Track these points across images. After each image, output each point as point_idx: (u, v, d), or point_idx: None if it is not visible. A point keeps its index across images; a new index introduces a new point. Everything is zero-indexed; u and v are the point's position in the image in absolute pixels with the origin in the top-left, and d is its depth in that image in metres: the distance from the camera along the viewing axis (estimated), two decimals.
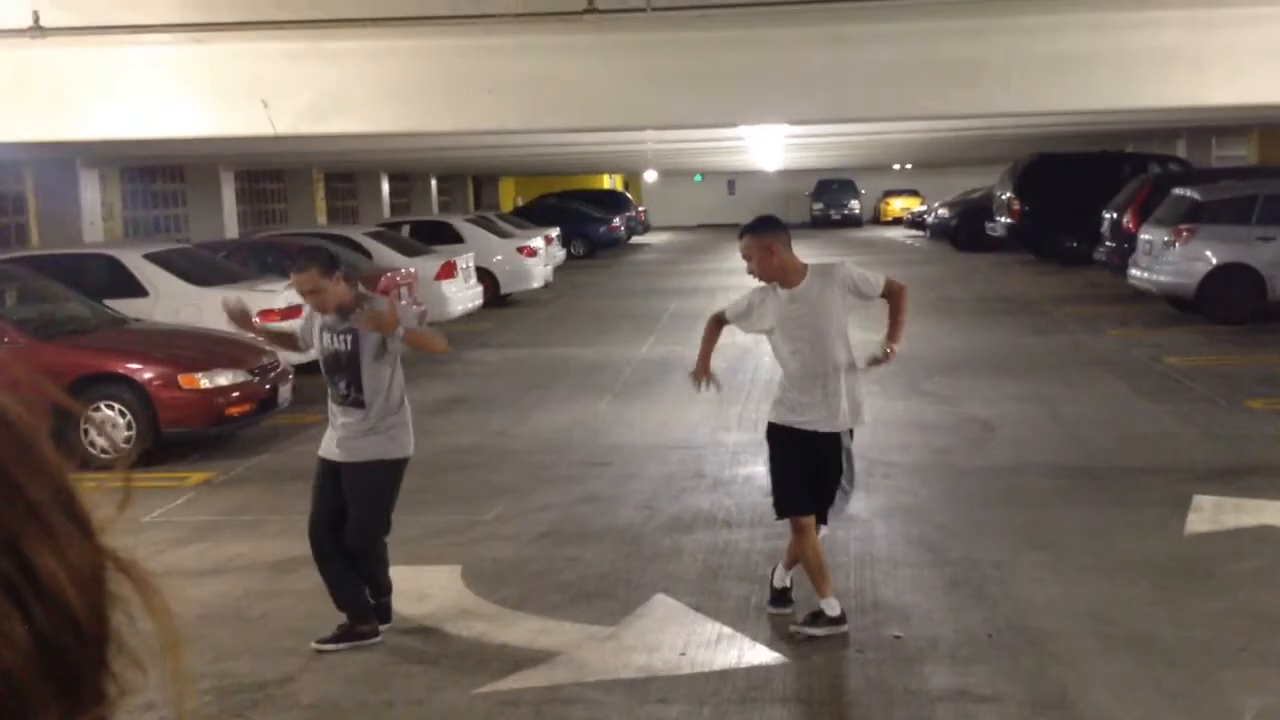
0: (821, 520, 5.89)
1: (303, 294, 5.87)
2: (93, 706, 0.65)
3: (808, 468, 5.74)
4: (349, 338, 5.71)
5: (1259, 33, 10.07)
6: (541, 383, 13.31)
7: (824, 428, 5.69)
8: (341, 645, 5.73)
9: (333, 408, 5.83)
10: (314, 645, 5.74)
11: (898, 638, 5.76)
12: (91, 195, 18.81)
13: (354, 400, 5.73)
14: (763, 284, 5.89)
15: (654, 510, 8.12)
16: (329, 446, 5.85)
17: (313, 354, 6.18)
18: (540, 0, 8.92)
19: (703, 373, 6.18)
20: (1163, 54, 10.21)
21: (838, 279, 5.77)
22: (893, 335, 5.89)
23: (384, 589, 5.93)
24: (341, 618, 5.81)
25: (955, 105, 11.29)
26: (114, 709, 0.67)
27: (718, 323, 6.22)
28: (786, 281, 5.75)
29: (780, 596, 6.08)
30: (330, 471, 5.82)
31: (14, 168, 18.35)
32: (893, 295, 5.90)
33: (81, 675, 0.64)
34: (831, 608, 5.69)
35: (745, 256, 5.83)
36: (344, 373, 5.75)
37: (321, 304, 5.76)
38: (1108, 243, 19.89)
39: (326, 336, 5.79)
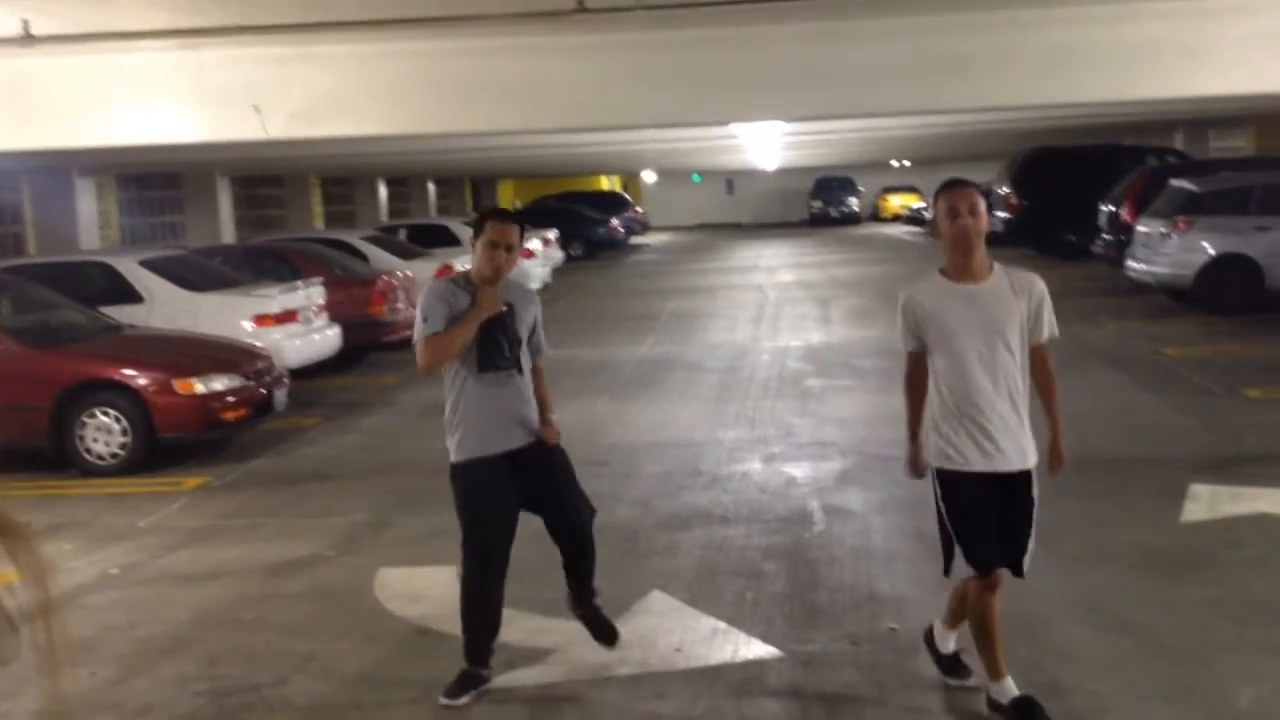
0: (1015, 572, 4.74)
1: (496, 244, 5.13)
2: None
3: (988, 510, 4.67)
4: (507, 310, 5.22)
5: (1253, 22, 10.03)
6: None
7: (988, 466, 4.64)
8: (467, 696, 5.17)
9: (486, 392, 5.13)
10: (442, 701, 5.15)
11: (893, 630, 5.75)
12: (88, 203, 18.81)
13: (517, 362, 5.19)
14: (915, 288, 4.78)
15: (651, 508, 8.11)
16: (502, 436, 5.16)
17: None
18: (530, 0, 8.91)
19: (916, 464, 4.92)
20: (1157, 45, 10.18)
21: (1037, 292, 4.74)
22: (1058, 435, 4.83)
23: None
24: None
25: (949, 99, 11.26)
26: None
27: (917, 362, 4.80)
28: (975, 268, 4.68)
29: (953, 663, 5.09)
30: (505, 468, 5.17)
31: (10, 177, 18.37)
32: (1047, 369, 4.83)
33: None
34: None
35: (970, 208, 4.64)
36: (506, 333, 5.18)
37: (508, 264, 5.19)
38: (1105, 235, 19.88)
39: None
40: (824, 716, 4.89)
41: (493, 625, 5.29)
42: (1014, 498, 4.68)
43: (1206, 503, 7.48)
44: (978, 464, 4.63)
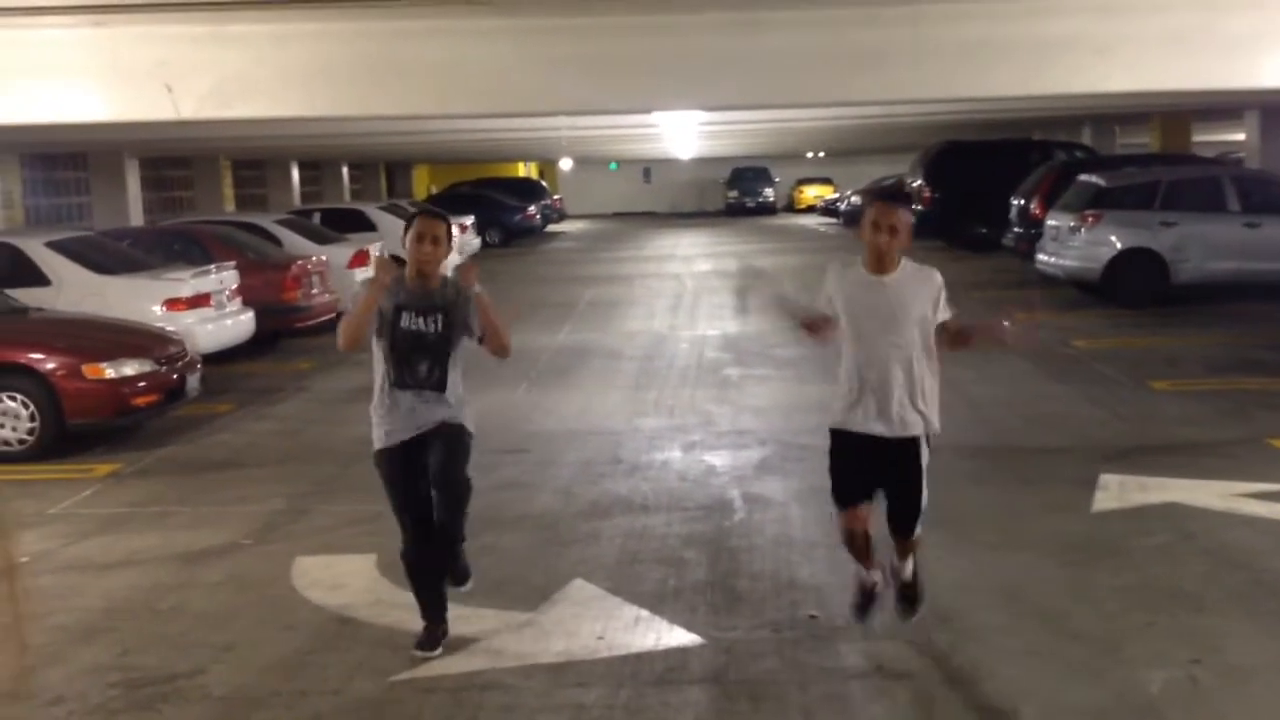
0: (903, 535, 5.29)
1: (421, 237, 5.31)
2: None
3: (865, 467, 5.17)
4: (439, 318, 5.34)
5: (1161, 21, 10.25)
6: None
7: (877, 430, 5.10)
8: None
9: (400, 397, 5.35)
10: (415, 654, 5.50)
11: (813, 617, 5.81)
12: None
13: (437, 383, 5.35)
14: (843, 263, 5.27)
15: (572, 496, 8.11)
16: (407, 428, 5.36)
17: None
18: None
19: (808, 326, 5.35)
20: (1067, 41, 10.37)
21: (935, 284, 5.14)
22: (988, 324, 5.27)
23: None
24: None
25: (862, 91, 11.35)
26: None
27: (820, 314, 5.31)
28: (885, 265, 5.09)
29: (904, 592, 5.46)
30: (409, 450, 5.40)
31: None
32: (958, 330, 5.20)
33: None
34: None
35: (890, 228, 4.99)
36: (428, 354, 5.33)
37: (431, 256, 5.31)
38: (1015, 229, 20.19)
39: (406, 317, 5.33)
40: (746, 704, 4.93)
41: (436, 593, 5.56)
42: (900, 463, 5.15)
43: (1116, 492, 7.66)
44: (858, 426, 5.13)
